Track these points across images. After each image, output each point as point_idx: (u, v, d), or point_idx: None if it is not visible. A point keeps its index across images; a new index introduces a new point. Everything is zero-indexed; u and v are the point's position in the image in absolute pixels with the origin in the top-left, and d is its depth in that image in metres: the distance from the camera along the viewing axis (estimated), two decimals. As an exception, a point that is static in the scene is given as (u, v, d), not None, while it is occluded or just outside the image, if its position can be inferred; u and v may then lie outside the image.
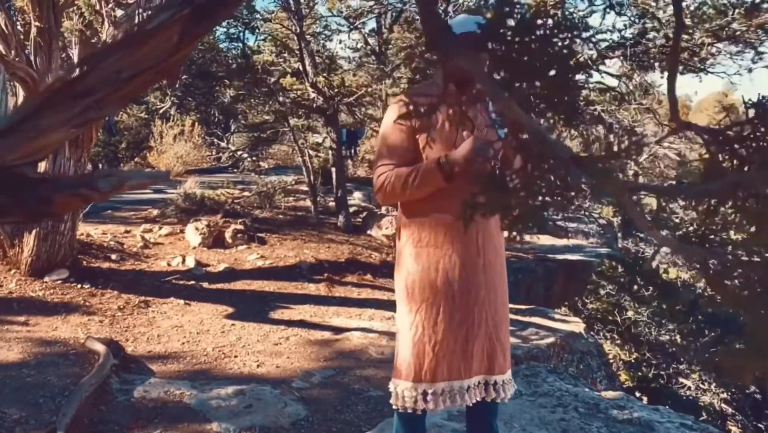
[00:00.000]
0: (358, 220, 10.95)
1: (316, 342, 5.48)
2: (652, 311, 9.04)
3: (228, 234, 8.67)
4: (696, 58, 8.98)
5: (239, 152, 20.84)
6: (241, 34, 23.02)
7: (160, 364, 4.76)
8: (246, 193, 11.50)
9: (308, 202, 11.38)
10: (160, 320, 5.79)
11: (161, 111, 19.27)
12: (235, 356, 5.02)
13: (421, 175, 2.40)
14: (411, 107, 2.61)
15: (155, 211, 9.85)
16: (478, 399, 2.52)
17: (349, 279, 7.97)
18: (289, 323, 5.98)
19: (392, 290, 7.89)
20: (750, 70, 8.93)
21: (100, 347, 4.60)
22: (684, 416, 4.15)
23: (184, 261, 7.80)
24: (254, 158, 20.52)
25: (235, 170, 18.33)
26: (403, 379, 2.51)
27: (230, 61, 15.23)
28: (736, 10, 7.23)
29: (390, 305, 7.06)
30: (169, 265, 7.62)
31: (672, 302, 9.08)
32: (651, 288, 9.21)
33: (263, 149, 20.87)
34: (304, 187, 12.93)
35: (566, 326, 6.90)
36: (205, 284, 7.11)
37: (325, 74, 9.43)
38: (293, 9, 9.01)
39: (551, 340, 6.09)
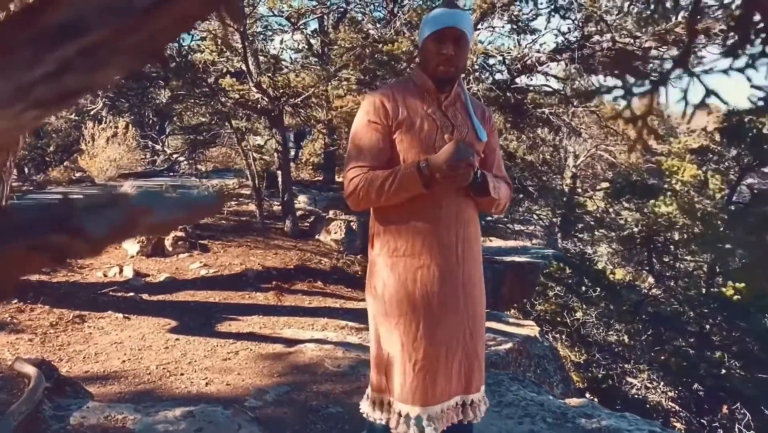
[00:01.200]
0: (305, 224, 10.65)
1: (267, 356, 5.18)
2: (599, 311, 9.12)
3: (168, 241, 8.23)
4: (640, 63, 9.12)
5: (176, 155, 20.19)
6: (177, 33, 22.26)
7: (99, 385, 4.37)
8: (186, 198, 10.98)
9: (252, 207, 10.99)
10: (97, 337, 5.37)
11: (92, 112, 18.41)
12: (182, 374, 4.68)
13: (398, 179, 2.19)
14: (387, 103, 2.36)
15: (88, 218, 9.27)
16: (455, 421, 2.34)
17: (299, 287, 7.69)
18: (238, 336, 5.66)
19: (345, 297, 7.67)
20: (691, 74, 9.12)
21: (30, 370, 4.16)
22: (651, 423, 4.10)
23: (121, 271, 7.35)
24: (192, 161, 19.90)
25: (173, 174, 17.70)
26: (376, 392, 2.34)
27: (166, 60, 14.60)
28: (680, 15, 7.34)
29: (344, 314, 6.82)
30: (105, 276, 7.15)
31: (619, 303, 9.19)
32: (598, 289, 9.29)
33: (201, 152, 20.27)
34: (247, 191, 12.52)
35: (521, 330, 6.83)
36: (145, 296, 6.69)
37: (269, 74, 9.09)
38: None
39: (509, 345, 5.99)
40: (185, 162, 19.73)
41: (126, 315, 5.96)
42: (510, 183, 2.62)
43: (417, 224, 2.29)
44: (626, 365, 8.96)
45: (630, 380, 8.85)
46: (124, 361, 4.87)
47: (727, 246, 9.45)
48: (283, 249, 9.01)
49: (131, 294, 6.64)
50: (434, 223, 2.29)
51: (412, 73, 2.57)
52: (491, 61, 9.79)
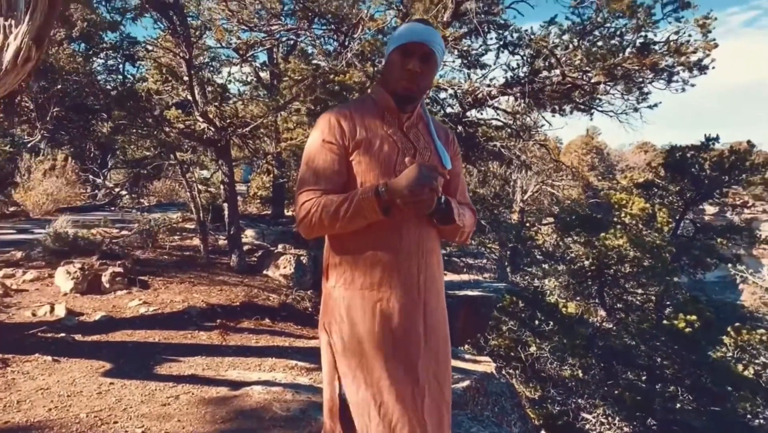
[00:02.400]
0: (252, 259, 10.27)
1: (211, 400, 4.80)
2: (553, 346, 9.02)
3: (105, 278, 7.74)
4: (587, 97, 9.27)
5: (117, 189, 19.50)
6: (121, 66, 21.79)
7: (20, 438, 3.92)
8: (125, 233, 10.51)
9: (196, 241, 10.56)
10: (21, 382, 4.89)
11: (29, 144, 17.65)
12: (115, 423, 4.26)
13: (355, 205, 2.00)
14: (344, 122, 2.13)
15: (19, 254, 8.69)
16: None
17: (246, 325, 7.30)
18: (179, 379, 5.24)
19: (294, 335, 7.33)
20: (636, 110, 9.35)
21: (-62, 423, 3.71)
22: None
23: (52, 310, 6.82)
24: (134, 195, 19.26)
25: (113, 208, 17.04)
26: None
27: (110, 93, 14.18)
28: (627, 50, 7.50)
29: (293, 353, 6.47)
30: (34, 315, 6.62)
31: (571, 337, 9.12)
32: (551, 323, 9.21)
33: (144, 185, 19.67)
34: (191, 225, 12.07)
35: (478, 366, 6.63)
36: (78, 336, 6.20)
37: (216, 104, 8.81)
38: (181, 33, 8.38)
39: (467, 383, 5.76)
40: (127, 196, 19.10)
41: (55, 358, 5.47)
42: (474, 210, 2.45)
43: (376, 253, 2.09)
44: (581, 400, 8.86)
45: (585, 415, 8.73)
46: (50, 409, 4.41)
47: (675, 279, 9.54)
48: (229, 285, 8.61)
49: (62, 335, 6.14)
50: (394, 252, 2.11)
51: (372, 90, 2.38)
52: (442, 94, 9.79)
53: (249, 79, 15.40)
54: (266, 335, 7.06)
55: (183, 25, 8.48)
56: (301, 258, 9.71)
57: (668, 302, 9.69)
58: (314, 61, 11.30)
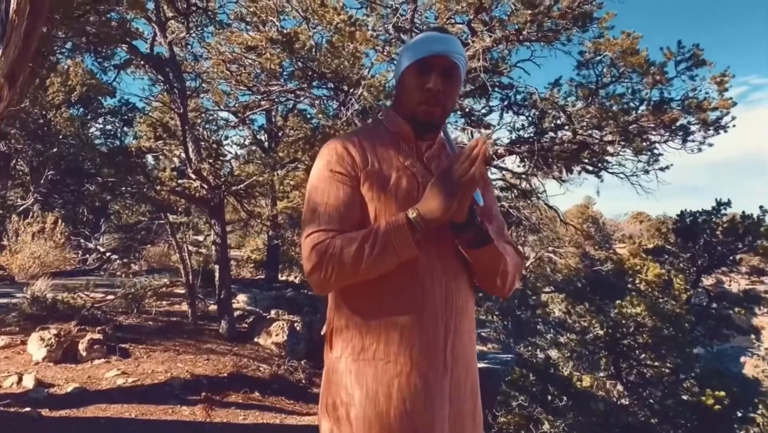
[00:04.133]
0: (243, 326, 9.63)
1: (188, 489, 4.15)
2: (568, 423, 8.31)
3: (82, 345, 7.13)
4: (597, 158, 8.92)
5: (109, 254, 18.96)
6: (119, 130, 21.69)
7: None
8: (110, 297, 9.91)
9: (185, 306, 9.96)
10: (-32, 467, 4.24)
11: (21, 208, 17.25)
12: None
13: (382, 239, 1.58)
14: (353, 150, 1.71)
15: (-8, 318, 8.09)
16: None
17: (233, 398, 6.64)
18: (153, 463, 4.60)
19: (286, 411, 6.64)
20: (647, 172, 8.98)
21: None
22: None
23: (20, 381, 6.20)
24: (125, 260, 18.70)
25: (102, 272, 16.45)
26: None
27: (105, 155, 13.90)
28: (641, 108, 7.20)
29: (285, 432, 5.82)
30: (-1, 386, 5.99)
31: (587, 413, 8.42)
32: (565, 398, 8.53)
33: (137, 250, 19.17)
34: (180, 290, 11.48)
35: (490, 448, 5.96)
36: (46, 411, 5.55)
37: (210, 161, 8.42)
38: (176, 87, 8.08)
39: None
40: (118, 261, 18.54)
41: (14, 437, 4.83)
42: (519, 250, 1.94)
43: (393, 313, 1.65)
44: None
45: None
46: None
47: (695, 350, 8.94)
48: (217, 354, 7.96)
49: (27, 409, 5.50)
50: (416, 311, 1.65)
51: (384, 115, 1.92)
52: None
53: (246, 142, 15.18)
54: (255, 410, 6.39)
55: (178, 80, 8.19)
56: (295, 324, 9.09)
57: (685, 375, 9.02)
58: (313, 120, 11.05)
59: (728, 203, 11.44)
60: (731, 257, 11.63)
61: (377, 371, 1.62)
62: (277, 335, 8.69)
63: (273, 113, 14.29)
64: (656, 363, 8.43)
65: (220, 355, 7.91)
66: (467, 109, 9.40)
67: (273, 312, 9.57)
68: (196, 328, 9.08)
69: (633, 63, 7.06)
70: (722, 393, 7.22)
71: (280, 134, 13.14)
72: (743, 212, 11.57)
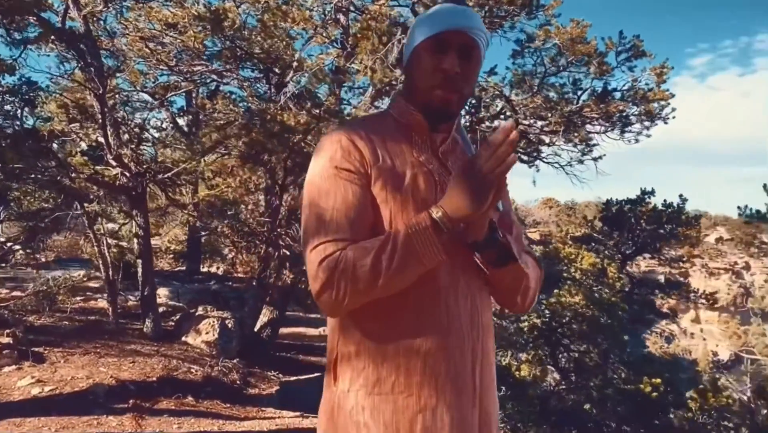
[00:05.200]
0: (169, 324, 9.01)
1: None
2: (507, 414, 8.30)
3: (-12, 351, 6.39)
4: (532, 148, 8.90)
5: (9, 244, 17.54)
6: (19, 110, 20.02)
7: None
8: (18, 294, 9.03)
9: (103, 303, 9.23)
10: None
11: None
12: None
13: (403, 245, 1.31)
14: (361, 143, 1.44)
15: None
16: None
17: (165, 405, 6.12)
18: (82, 488, 4.10)
19: (223, 416, 6.20)
20: (581, 161, 9.06)
21: None
22: None
23: None
24: (29, 250, 17.37)
25: (4, 265, 15.16)
26: None
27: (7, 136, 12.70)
28: (582, 97, 7.17)
29: (224, 440, 5.40)
30: None
31: (526, 403, 8.44)
32: (504, 388, 8.51)
33: (42, 239, 17.83)
34: (95, 284, 10.66)
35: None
36: (-54, 430, 4.90)
37: (132, 146, 7.75)
38: (92, 64, 7.35)
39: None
40: (21, 251, 17.18)
41: None
42: (538, 260, 1.70)
43: (414, 337, 1.38)
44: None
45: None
46: None
47: (625, 337, 9.14)
48: (143, 356, 7.36)
49: (-77, 428, 4.83)
50: (440, 334, 1.40)
51: (392, 104, 1.61)
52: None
53: (165, 125, 14.31)
54: (190, 417, 5.91)
55: (94, 57, 7.45)
56: (226, 321, 8.58)
57: (619, 362, 9.21)
58: (243, 104, 10.47)
59: (652, 192, 11.81)
60: (654, 244, 12.04)
61: (397, 407, 1.35)
62: (207, 333, 8.17)
63: (194, 95, 13.51)
64: (593, 351, 8.54)
65: (147, 357, 7.31)
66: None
67: (201, 308, 9.00)
68: (118, 327, 8.40)
69: (582, 52, 7.02)
70: (658, 380, 7.38)
71: (202, 117, 12.43)
72: (665, 201, 11.99)
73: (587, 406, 8.44)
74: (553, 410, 8.68)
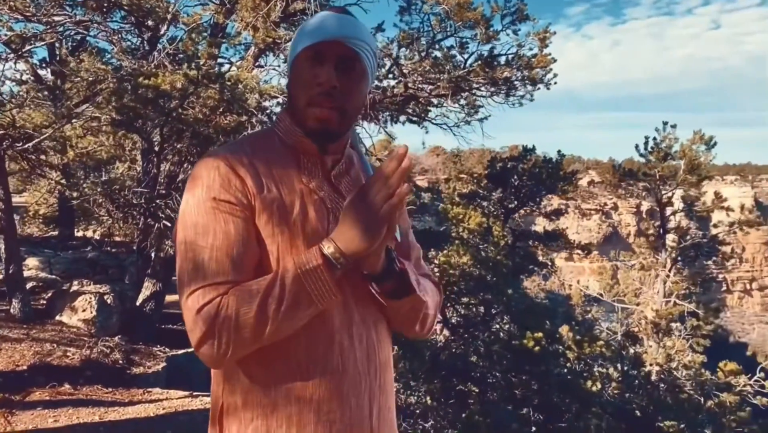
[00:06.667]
0: (40, 302, 8.34)
1: None
2: (399, 372, 8.49)
3: None
4: (421, 109, 8.90)
5: None
6: None
7: None
8: None
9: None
10: None
11: None
12: None
13: (292, 286, 1.19)
14: (242, 171, 1.31)
15: None
16: None
17: (38, 396, 5.68)
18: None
19: (105, 403, 5.84)
20: (468, 122, 9.18)
21: None
22: None
23: None
24: None
25: None
26: None
27: None
28: (469, 61, 7.19)
29: (108, 430, 5.09)
30: None
31: (416, 360, 8.67)
32: (396, 347, 8.68)
33: None
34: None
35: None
36: None
37: (-15, 110, 6.92)
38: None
39: None
40: None
41: None
42: (438, 284, 1.64)
43: (305, 381, 1.27)
44: (430, 428, 8.43)
45: (436, 443, 8.31)
46: None
47: (510, 291, 9.54)
48: (11, 341, 6.76)
49: None
50: (334, 379, 1.30)
51: (278, 122, 1.45)
52: (267, 103, 8.78)
53: (25, 78, 12.99)
54: (68, 407, 5.52)
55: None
56: (105, 297, 8.07)
57: (504, 316, 9.62)
58: (112, 60, 9.66)
59: (533, 149, 12.29)
60: (535, 198, 12.62)
61: None
62: (84, 310, 7.63)
63: (58, 47, 12.32)
64: (479, 307, 8.85)
65: (16, 342, 6.73)
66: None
67: (76, 283, 8.38)
68: (-21, 310, 7.68)
69: (469, 17, 6.98)
70: (540, 334, 7.79)
71: (65, 75, 11.38)
72: (544, 156, 12.51)
73: (474, 358, 8.80)
74: (443, 364, 8.98)
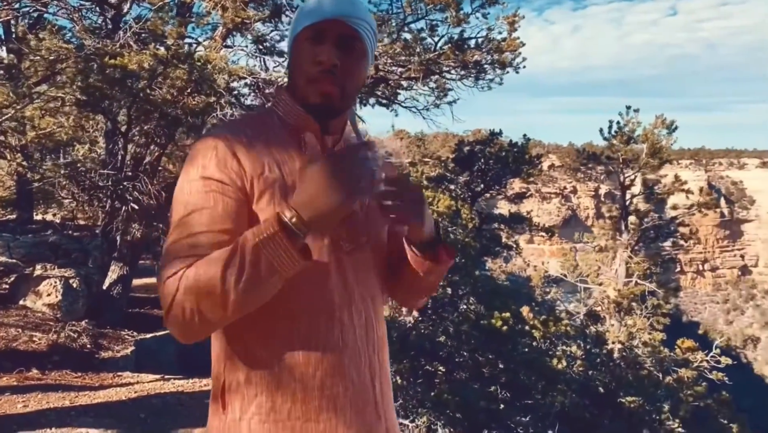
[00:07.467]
0: (2, 286, 8.14)
1: None
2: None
3: None
4: (390, 92, 8.92)
5: None
6: None
7: None
8: None
9: None
10: None
11: None
12: None
13: (251, 256, 1.13)
14: (240, 151, 1.31)
15: None
16: None
17: (5, 382, 5.58)
18: None
19: (75, 388, 5.78)
20: (437, 105, 9.24)
21: None
22: None
23: None
24: None
25: None
26: None
27: None
28: (439, 43, 7.22)
29: (78, 416, 5.04)
30: None
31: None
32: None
33: None
34: None
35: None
36: None
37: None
38: None
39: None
40: None
41: None
42: None
43: (308, 362, 1.29)
44: (399, 408, 8.54)
45: (405, 422, 8.43)
46: None
47: (477, 273, 9.68)
48: (-26, 327, 6.62)
49: None
50: (335, 354, 1.32)
51: (277, 101, 1.46)
52: (236, 84, 8.68)
53: (-21, 57, 12.53)
54: (37, 393, 5.44)
55: None
56: (70, 280, 7.92)
57: (472, 297, 9.77)
58: (73, 39, 9.42)
59: (500, 133, 12.45)
60: (501, 182, 12.80)
61: None
62: (49, 294, 7.48)
63: (14, 24, 11.91)
64: (447, 289, 8.97)
65: (-21, 328, 6.59)
66: (258, 35, 8.68)
67: (39, 267, 8.19)
68: (-61, 295, 7.47)
69: (439, 0, 7.00)
70: (507, 314, 7.95)
71: (26, 51, 11.02)
72: (510, 141, 12.68)
73: (442, 339, 8.94)
74: (412, 345, 9.09)
